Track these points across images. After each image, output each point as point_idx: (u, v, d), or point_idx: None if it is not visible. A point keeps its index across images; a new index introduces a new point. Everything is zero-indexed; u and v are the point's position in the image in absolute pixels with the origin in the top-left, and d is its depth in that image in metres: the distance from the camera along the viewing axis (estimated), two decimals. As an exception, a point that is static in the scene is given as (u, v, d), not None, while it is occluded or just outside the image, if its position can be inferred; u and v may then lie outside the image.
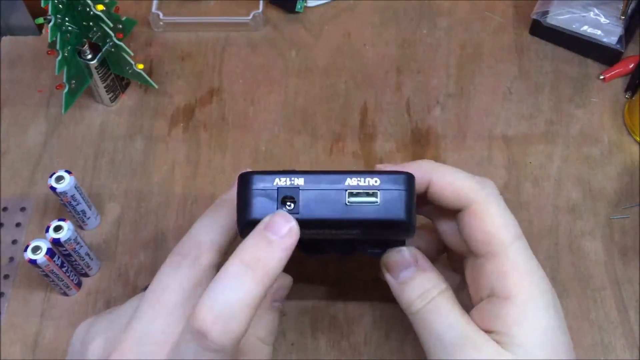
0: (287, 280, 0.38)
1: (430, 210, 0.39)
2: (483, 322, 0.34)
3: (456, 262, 0.40)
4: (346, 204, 0.33)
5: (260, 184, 0.33)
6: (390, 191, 0.33)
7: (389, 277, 0.37)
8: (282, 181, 0.33)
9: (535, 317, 0.33)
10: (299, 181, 0.33)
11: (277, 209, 0.33)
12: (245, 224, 0.33)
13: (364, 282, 0.47)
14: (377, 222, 0.33)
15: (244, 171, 0.34)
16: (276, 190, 0.33)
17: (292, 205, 0.33)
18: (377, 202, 0.33)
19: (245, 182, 0.33)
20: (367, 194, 0.33)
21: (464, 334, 0.33)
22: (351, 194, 0.33)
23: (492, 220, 0.35)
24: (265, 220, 0.32)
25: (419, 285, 0.36)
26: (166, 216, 0.51)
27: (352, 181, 0.33)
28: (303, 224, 0.32)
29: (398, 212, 0.33)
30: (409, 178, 0.33)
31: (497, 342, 0.33)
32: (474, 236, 0.35)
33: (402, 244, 0.38)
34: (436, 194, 0.36)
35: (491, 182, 0.37)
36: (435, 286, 0.35)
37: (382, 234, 0.35)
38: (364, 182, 0.33)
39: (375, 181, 0.33)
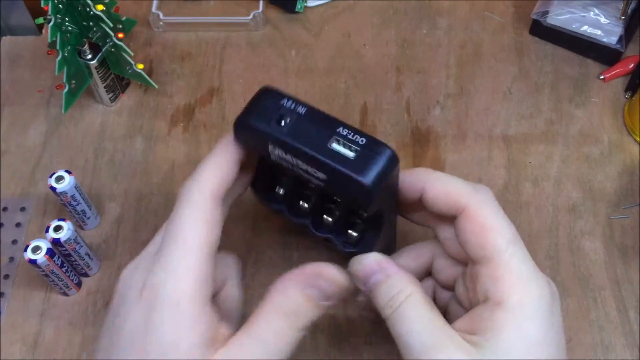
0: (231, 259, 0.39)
1: (431, 219, 0.39)
2: (472, 325, 0.34)
3: (449, 274, 0.40)
4: (327, 147, 0.34)
5: (270, 98, 0.35)
6: (368, 154, 0.33)
7: (360, 285, 0.37)
8: (288, 103, 0.35)
9: (525, 323, 0.33)
10: (302, 110, 0.35)
11: (270, 123, 0.35)
12: (240, 125, 0.36)
13: (364, 282, 0.47)
14: (343, 174, 0.33)
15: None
16: (279, 108, 0.35)
17: (284, 123, 0.34)
18: (351, 157, 0.33)
19: (260, 92, 0.36)
20: (348, 147, 0.34)
21: (433, 339, 0.33)
22: (335, 141, 0.34)
23: (486, 224, 0.35)
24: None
25: (384, 292, 0.35)
26: (166, 216, 0.50)
27: (342, 131, 0.34)
28: (283, 145, 0.34)
29: (365, 174, 0.33)
30: (392, 155, 0.34)
31: (481, 345, 0.32)
32: (468, 241, 0.35)
33: (372, 244, 0.38)
34: (431, 200, 0.36)
35: (486, 187, 0.37)
36: (401, 291, 0.35)
37: (344, 193, 0.35)
38: (352, 136, 0.34)
39: (362, 140, 0.34)
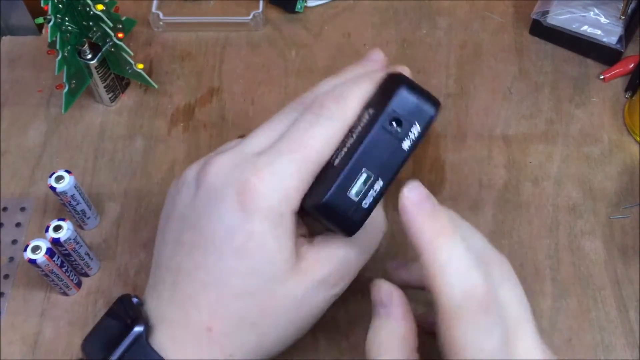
0: None
1: None
2: None
3: None
4: (361, 166, 0.34)
5: (424, 108, 0.34)
6: (348, 204, 0.34)
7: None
8: (415, 132, 0.34)
9: None
10: (406, 146, 0.34)
11: (391, 110, 0.34)
12: (394, 79, 0.36)
13: (364, 282, 0.47)
14: (334, 179, 0.34)
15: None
16: (411, 121, 0.34)
17: (390, 124, 0.34)
18: (351, 194, 0.34)
19: (432, 98, 0.35)
20: (361, 189, 0.34)
21: None
22: (367, 177, 0.34)
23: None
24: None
25: (376, 331, 0.35)
26: (166, 216, 0.51)
27: (376, 184, 0.35)
28: (367, 126, 0.34)
29: (326, 194, 0.34)
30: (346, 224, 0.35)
31: None
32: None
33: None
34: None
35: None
36: (388, 347, 0.34)
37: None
38: (373, 192, 0.35)
39: (367, 203, 0.35)
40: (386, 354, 0.34)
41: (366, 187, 0.34)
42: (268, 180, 0.35)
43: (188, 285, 0.36)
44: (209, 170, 0.37)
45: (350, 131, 0.36)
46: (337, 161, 0.35)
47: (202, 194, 0.36)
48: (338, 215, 0.34)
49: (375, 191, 0.34)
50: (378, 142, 0.34)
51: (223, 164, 0.36)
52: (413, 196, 0.32)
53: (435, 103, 0.35)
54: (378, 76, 0.36)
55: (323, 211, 0.34)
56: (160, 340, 0.35)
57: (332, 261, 0.36)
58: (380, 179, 0.34)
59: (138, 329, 0.35)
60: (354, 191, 0.34)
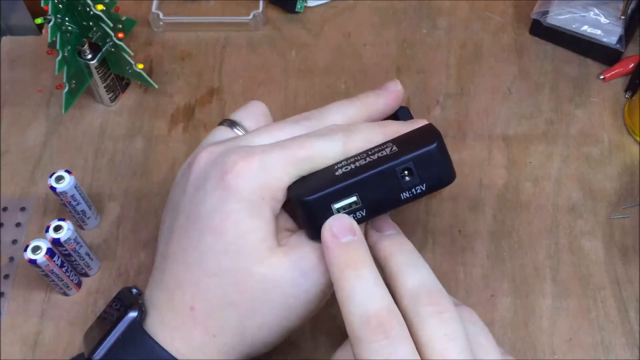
0: None
1: None
2: None
3: None
4: (358, 181, 0.35)
5: (431, 163, 0.35)
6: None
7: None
8: (417, 188, 0.35)
9: None
10: (405, 196, 0.35)
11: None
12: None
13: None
14: (332, 183, 0.36)
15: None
16: (419, 170, 0.35)
17: (398, 173, 0.35)
18: (331, 210, 0.35)
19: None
20: (348, 207, 0.35)
21: None
22: (351, 200, 0.35)
23: None
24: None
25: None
26: (166, 216, 0.51)
27: (359, 214, 0.35)
28: (386, 172, 0.35)
29: (311, 193, 0.35)
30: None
31: None
32: None
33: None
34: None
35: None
36: None
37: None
38: (354, 214, 0.35)
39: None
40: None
41: (349, 209, 0.35)
42: (254, 165, 0.36)
43: (174, 267, 0.37)
44: (201, 157, 0.38)
45: (367, 152, 0.36)
46: (339, 172, 0.36)
47: (192, 179, 0.38)
48: (312, 217, 0.35)
49: (355, 217, 0.35)
50: (382, 179, 0.35)
51: (214, 151, 0.38)
52: (334, 227, 0.34)
53: (451, 176, 0.35)
54: (392, 132, 0.38)
55: (302, 206, 0.35)
56: (153, 324, 0.37)
57: (309, 244, 0.36)
58: (364, 210, 0.35)
59: (132, 314, 0.36)
60: (337, 206, 0.35)
